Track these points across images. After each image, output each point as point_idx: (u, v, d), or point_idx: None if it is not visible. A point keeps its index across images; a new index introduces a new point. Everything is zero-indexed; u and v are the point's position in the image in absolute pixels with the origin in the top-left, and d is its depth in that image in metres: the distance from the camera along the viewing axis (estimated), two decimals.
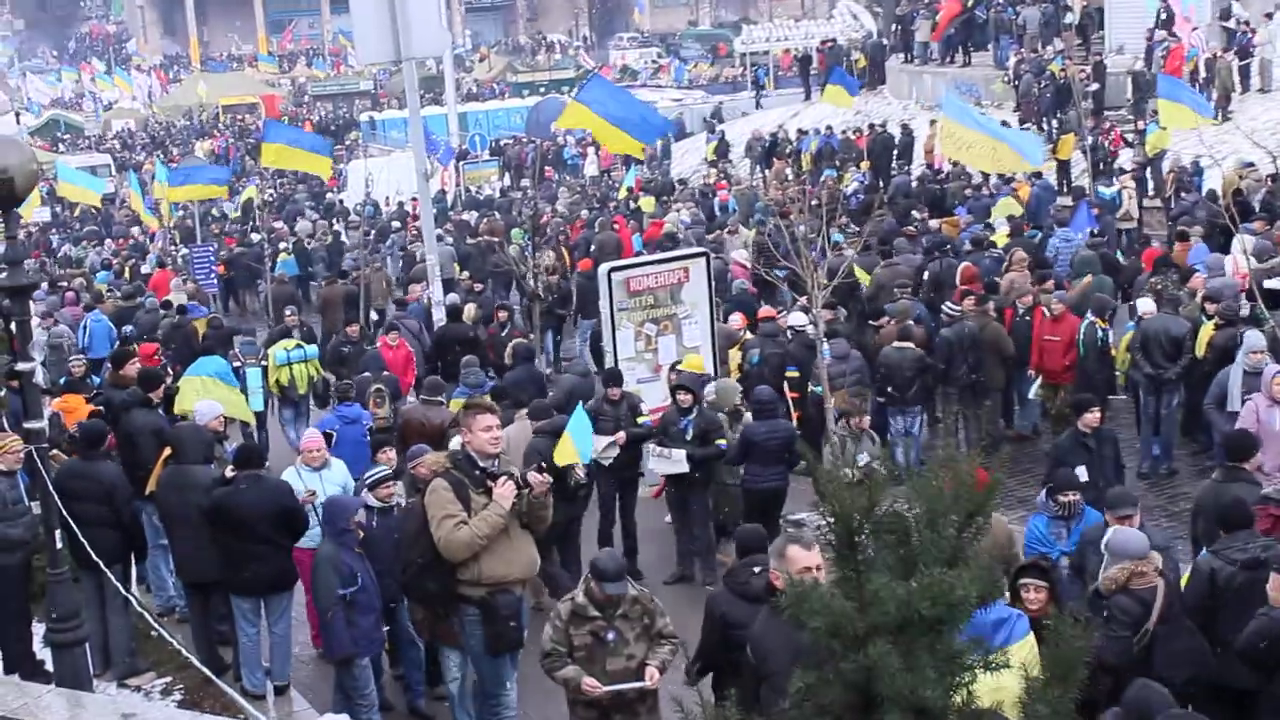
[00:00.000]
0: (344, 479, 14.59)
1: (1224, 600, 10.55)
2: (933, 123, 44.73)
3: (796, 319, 21.57)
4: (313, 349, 23.75)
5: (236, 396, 19.84)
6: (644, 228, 36.25)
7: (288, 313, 26.24)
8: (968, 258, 25.42)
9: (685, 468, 16.80)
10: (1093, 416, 15.45)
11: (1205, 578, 10.81)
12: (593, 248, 32.58)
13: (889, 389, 19.91)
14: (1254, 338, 17.05)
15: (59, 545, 12.30)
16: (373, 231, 39.03)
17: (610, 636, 9.95)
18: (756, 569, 10.29)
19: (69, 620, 12.38)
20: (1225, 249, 23.23)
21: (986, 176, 35.91)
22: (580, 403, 16.64)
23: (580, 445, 15.20)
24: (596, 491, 17.34)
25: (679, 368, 19.11)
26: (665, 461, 16.98)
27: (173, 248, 45.62)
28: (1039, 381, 20.74)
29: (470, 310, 24.99)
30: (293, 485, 13.94)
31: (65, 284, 35.72)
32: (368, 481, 13.32)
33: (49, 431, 13.87)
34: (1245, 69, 39.64)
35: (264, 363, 22.75)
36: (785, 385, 20.22)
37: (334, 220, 47.03)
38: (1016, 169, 30.41)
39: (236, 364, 22.00)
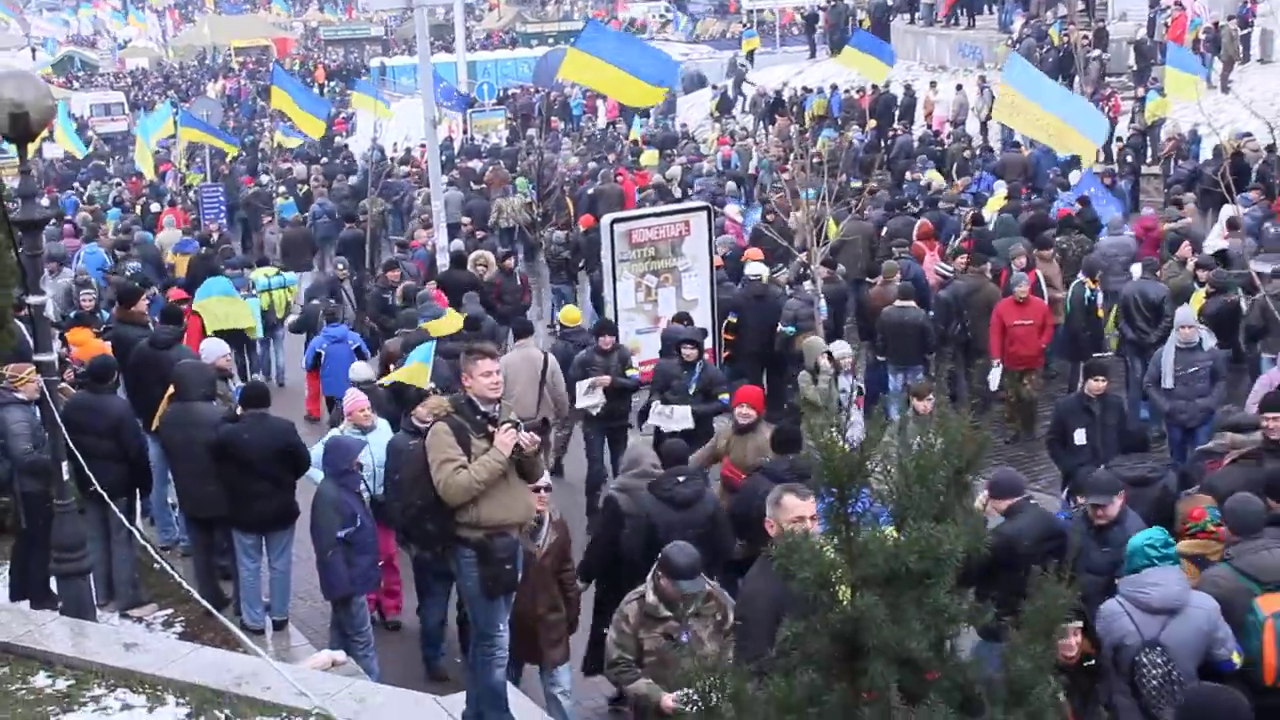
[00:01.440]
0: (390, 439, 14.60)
1: None
2: (932, 84, 44.74)
3: (752, 269, 21.74)
4: (291, 276, 25.92)
5: (246, 309, 22.01)
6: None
7: (339, 265, 26.41)
8: (926, 214, 25.65)
9: (690, 424, 16.52)
10: (1098, 384, 15.42)
11: None
12: (596, 200, 32.50)
13: (890, 347, 19.95)
14: (1184, 313, 16.92)
15: (65, 477, 12.36)
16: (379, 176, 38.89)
17: (684, 638, 9.61)
18: (681, 478, 11.94)
19: (73, 550, 12.42)
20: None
21: (986, 139, 35.93)
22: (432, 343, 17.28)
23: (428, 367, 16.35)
24: (585, 441, 17.40)
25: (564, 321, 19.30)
26: (668, 419, 16.69)
27: (182, 187, 45.56)
28: (999, 371, 19.57)
29: (476, 255, 24.96)
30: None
31: (69, 219, 35.80)
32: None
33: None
34: (1245, 39, 39.51)
35: (255, 293, 23.99)
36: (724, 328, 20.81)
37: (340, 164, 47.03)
38: (1077, 149, 29.50)
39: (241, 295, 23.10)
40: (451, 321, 19.47)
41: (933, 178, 31.82)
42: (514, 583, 10.38)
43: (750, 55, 61.86)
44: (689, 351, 17.10)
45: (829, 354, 17.16)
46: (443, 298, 20.96)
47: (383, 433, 14.60)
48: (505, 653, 10.49)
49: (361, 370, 17.26)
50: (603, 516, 12.17)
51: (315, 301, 23.24)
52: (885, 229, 24.88)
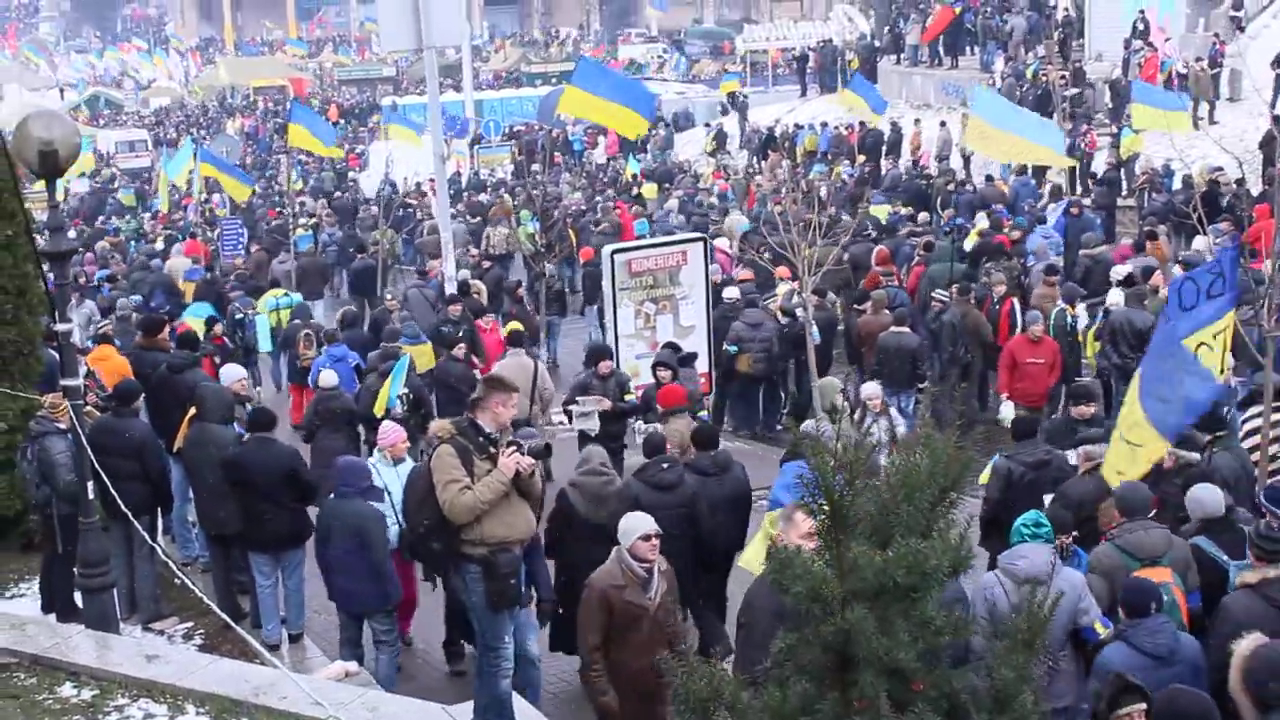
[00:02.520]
0: None
1: (1015, 493, 12.89)
2: (917, 121, 44.85)
3: (729, 291, 22.29)
4: (297, 297, 26.49)
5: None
6: (646, 212, 36.30)
7: (388, 296, 26.55)
8: (883, 241, 25.79)
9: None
10: (1086, 408, 15.30)
11: (1003, 475, 13.32)
12: (596, 231, 32.55)
13: (884, 370, 19.96)
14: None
15: (91, 496, 12.35)
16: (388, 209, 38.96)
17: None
18: (665, 465, 12.80)
19: (98, 566, 12.44)
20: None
21: (969, 174, 36.02)
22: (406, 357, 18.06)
23: (391, 390, 17.11)
24: None
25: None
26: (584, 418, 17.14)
27: (203, 220, 45.58)
28: (1011, 405, 19.04)
29: (477, 285, 25.06)
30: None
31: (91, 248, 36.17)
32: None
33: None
34: (1215, 78, 39.61)
35: (258, 313, 24.97)
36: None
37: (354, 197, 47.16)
38: (1049, 162, 30.11)
39: (240, 315, 24.99)
40: (425, 352, 19.95)
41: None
42: (518, 597, 10.37)
43: (731, 96, 61.97)
44: (663, 374, 17.26)
45: (844, 393, 17.18)
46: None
47: (408, 467, 14.22)
48: (510, 664, 10.47)
49: (328, 379, 17.98)
50: (555, 510, 12.40)
51: (297, 321, 23.60)
52: (847, 255, 24.90)
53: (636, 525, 9.86)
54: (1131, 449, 11.96)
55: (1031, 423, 14.88)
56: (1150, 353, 12.68)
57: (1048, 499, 12.39)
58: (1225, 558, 10.22)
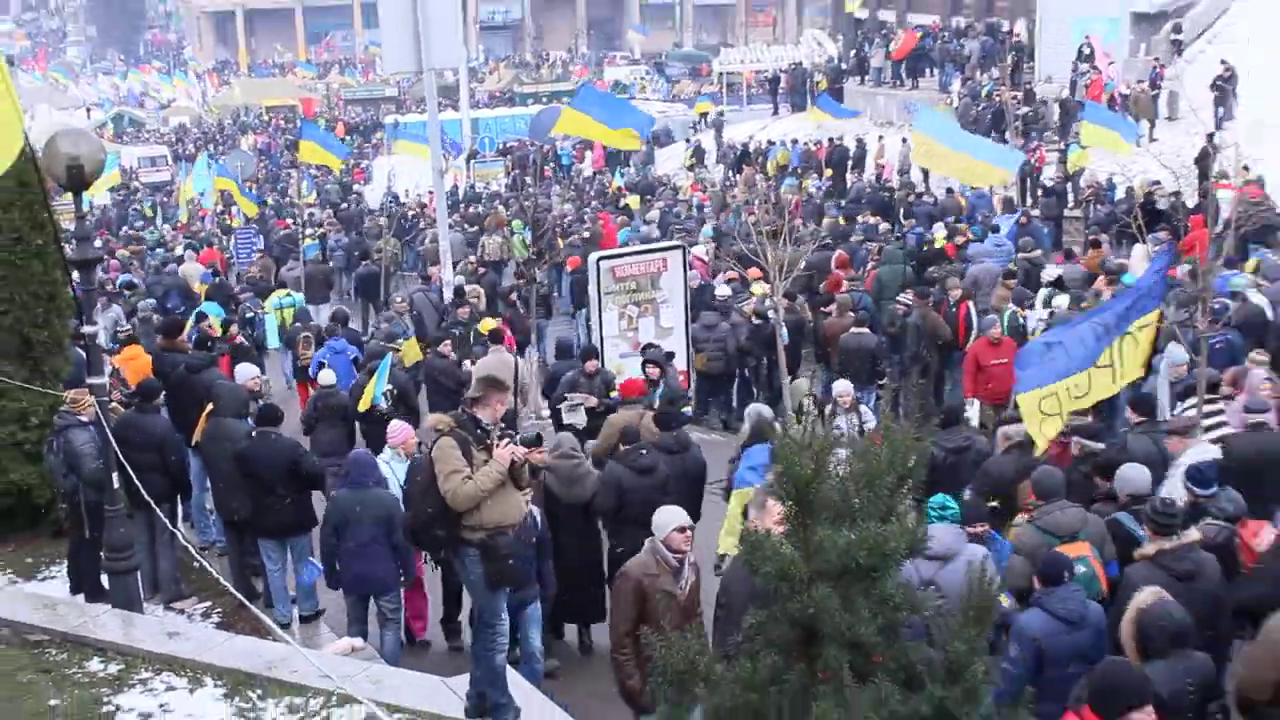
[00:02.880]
0: None
1: (938, 476, 11.97)
2: (880, 138, 44.91)
3: (721, 290, 23.15)
4: (299, 296, 27.14)
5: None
6: (632, 221, 36.27)
7: (397, 299, 26.20)
8: (841, 247, 25.89)
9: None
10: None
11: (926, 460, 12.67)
12: (584, 239, 32.54)
13: (847, 368, 20.02)
14: (1177, 353, 15.95)
15: (116, 486, 12.36)
16: (393, 220, 38.90)
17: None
18: (643, 450, 13.19)
19: (123, 551, 12.46)
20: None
21: (928, 186, 36.12)
22: (390, 354, 18.58)
23: (375, 386, 17.38)
24: None
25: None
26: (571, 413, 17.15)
27: (220, 230, 45.51)
28: (977, 406, 18.77)
29: (471, 289, 25.03)
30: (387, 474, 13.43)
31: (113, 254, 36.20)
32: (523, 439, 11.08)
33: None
34: (1155, 99, 39.73)
35: (266, 311, 25.38)
36: None
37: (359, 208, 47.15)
38: (991, 181, 30.18)
39: (250, 314, 25.29)
40: (413, 349, 19.96)
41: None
42: (515, 576, 10.37)
43: (703, 116, 62.00)
44: (652, 370, 17.39)
45: (813, 395, 17.24)
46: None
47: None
48: (505, 639, 10.47)
49: (326, 377, 18.19)
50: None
51: (298, 324, 23.82)
52: (804, 261, 25.00)
53: (671, 518, 9.82)
54: (1057, 414, 12.89)
55: (958, 411, 15.14)
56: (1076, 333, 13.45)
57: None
58: (1141, 532, 10.32)
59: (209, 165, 48.62)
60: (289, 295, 26.83)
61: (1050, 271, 21.86)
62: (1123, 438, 13.44)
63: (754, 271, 23.38)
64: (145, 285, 30.17)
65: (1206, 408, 14.05)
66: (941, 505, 10.47)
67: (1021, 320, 20.00)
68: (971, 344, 19.60)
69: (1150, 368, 16.81)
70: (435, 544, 10.35)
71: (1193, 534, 9.89)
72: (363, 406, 17.52)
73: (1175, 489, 11.17)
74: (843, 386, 16.28)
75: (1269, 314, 18.36)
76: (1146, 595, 8.72)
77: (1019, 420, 13.25)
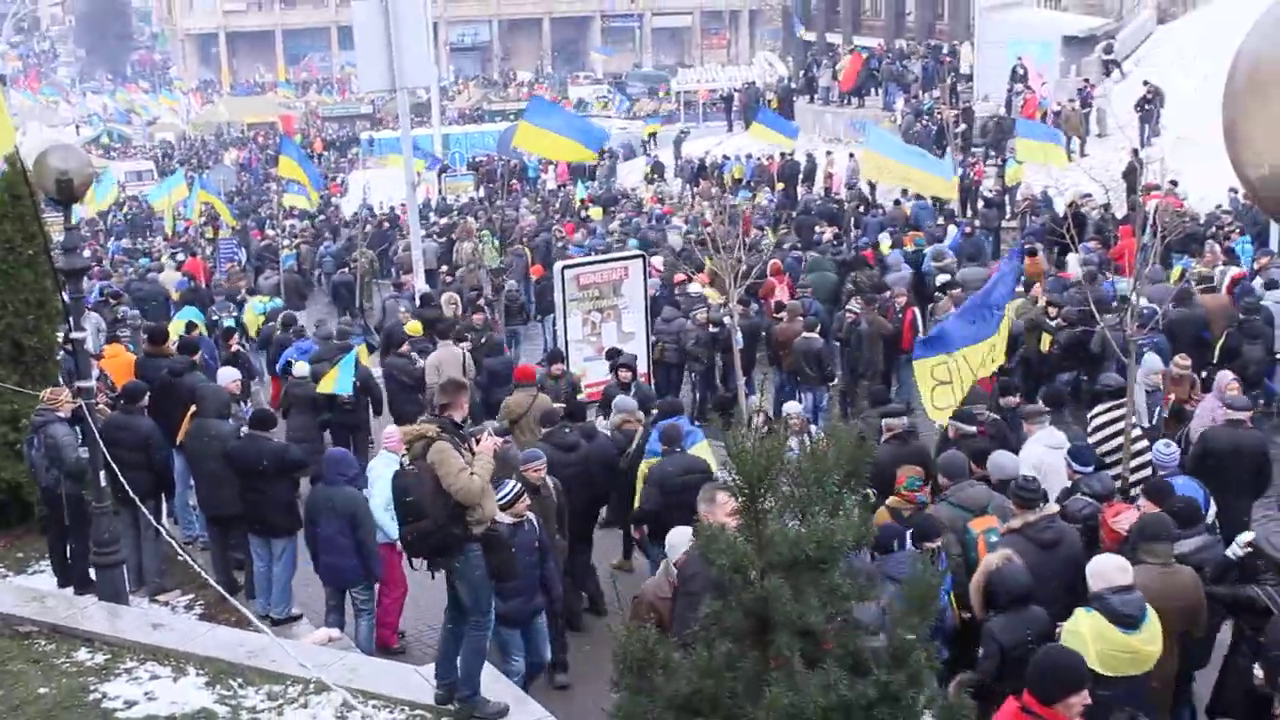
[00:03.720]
0: None
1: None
2: (829, 153, 45.02)
3: (692, 287, 23.56)
4: (278, 302, 26.96)
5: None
6: (594, 233, 36.22)
7: (402, 310, 26.06)
8: (775, 254, 26.24)
9: None
10: (1013, 398, 15.30)
11: None
12: (551, 250, 32.51)
13: (798, 370, 20.05)
14: (1153, 360, 15.83)
15: (103, 484, 12.29)
16: (366, 229, 38.80)
17: None
18: (567, 430, 14.03)
19: (109, 546, 12.42)
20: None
21: (874, 198, 36.28)
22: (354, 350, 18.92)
23: (342, 376, 17.82)
24: None
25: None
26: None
27: (203, 240, 45.27)
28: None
29: (446, 298, 24.95)
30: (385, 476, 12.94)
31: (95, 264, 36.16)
32: (499, 502, 10.68)
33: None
34: (1085, 116, 39.99)
35: (236, 314, 25.26)
36: None
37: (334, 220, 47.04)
38: (933, 190, 30.55)
39: (216, 317, 24.92)
40: (364, 352, 20.04)
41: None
42: (515, 566, 10.31)
43: (652, 136, 62.20)
44: (624, 374, 17.35)
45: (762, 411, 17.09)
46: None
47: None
48: (489, 630, 10.41)
49: (301, 369, 18.50)
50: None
51: (272, 324, 23.77)
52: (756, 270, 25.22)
53: (684, 539, 9.75)
54: (949, 385, 13.95)
55: (883, 394, 15.77)
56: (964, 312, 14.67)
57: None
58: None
59: (190, 181, 48.44)
60: (270, 300, 27.00)
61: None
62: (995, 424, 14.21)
63: (701, 277, 23.66)
64: (129, 294, 30.08)
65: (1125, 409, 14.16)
66: None
67: None
68: None
69: (1073, 352, 17.06)
70: (448, 546, 10.07)
71: (1052, 506, 10.69)
72: (324, 389, 18.00)
73: (1026, 468, 11.84)
74: (793, 408, 15.96)
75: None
76: (995, 558, 9.41)
77: (901, 414, 14.05)
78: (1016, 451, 12.74)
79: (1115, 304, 18.90)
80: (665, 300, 23.21)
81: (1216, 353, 18.22)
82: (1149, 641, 8.65)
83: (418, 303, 24.28)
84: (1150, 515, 10.07)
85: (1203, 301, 19.35)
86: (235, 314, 25.44)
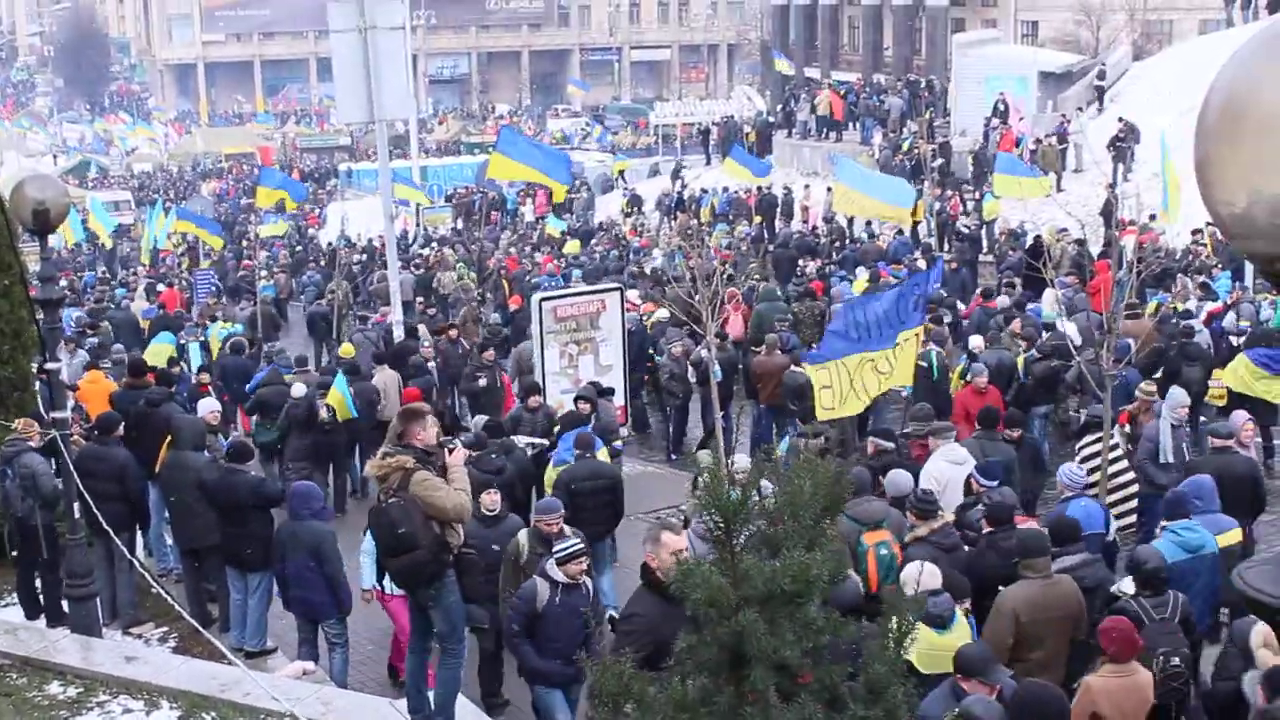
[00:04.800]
0: None
1: None
2: (806, 186, 45.18)
3: (661, 314, 24.25)
4: (239, 327, 27.94)
5: (170, 350, 24.41)
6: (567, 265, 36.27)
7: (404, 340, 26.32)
8: (732, 284, 26.49)
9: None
10: (1012, 432, 15.27)
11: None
12: (526, 281, 32.53)
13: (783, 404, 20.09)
14: (1178, 394, 15.60)
15: (77, 515, 12.22)
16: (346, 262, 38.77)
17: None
18: (493, 455, 14.22)
19: (83, 578, 12.35)
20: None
21: (852, 232, 36.42)
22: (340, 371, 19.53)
23: (346, 398, 18.50)
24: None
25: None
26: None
27: (181, 271, 45.19)
28: None
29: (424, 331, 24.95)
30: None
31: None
32: (556, 557, 10.39)
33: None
34: (1063, 152, 40.23)
35: (203, 338, 26.18)
36: None
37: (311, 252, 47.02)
38: (895, 218, 30.83)
39: (184, 342, 25.81)
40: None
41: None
42: (480, 587, 10.27)
43: (621, 174, 62.43)
44: (583, 406, 17.23)
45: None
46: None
47: None
48: (466, 653, 10.38)
49: (299, 390, 18.77)
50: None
51: (225, 350, 24.33)
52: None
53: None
54: (837, 392, 15.31)
55: (804, 393, 16.93)
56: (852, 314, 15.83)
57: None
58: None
59: (164, 210, 48.44)
60: (233, 325, 27.78)
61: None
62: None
63: (648, 305, 23.92)
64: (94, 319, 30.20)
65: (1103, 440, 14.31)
66: None
67: (942, 360, 20.00)
68: (959, 391, 18.65)
69: (1047, 384, 17.15)
70: (439, 572, 9.98)
71: (949, 515, 11.64)
72: (344, 415, 18.58)
73: (929, 484, 12.81)
74: (743, 462, 16.08)
75: (1076, 341, 18.89)
76: (913, 568, 10.07)
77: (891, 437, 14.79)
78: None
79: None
80: (637, 332, 23.07)
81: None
82: (959, 641, 9.16)
83: (401, 334, 24.24)
84: (1028, 532, 10.79)
85: (1125, 327, 19.57)
86: (202, 338, 26.08)
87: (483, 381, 20.68)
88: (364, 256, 41.57)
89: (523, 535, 11.48)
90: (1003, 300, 23.58)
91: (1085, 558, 10.80)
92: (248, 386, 21.02)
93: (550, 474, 14.75)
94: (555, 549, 10.39)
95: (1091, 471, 14.23)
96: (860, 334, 15.50)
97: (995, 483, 12.39)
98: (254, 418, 20.16)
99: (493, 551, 11.68)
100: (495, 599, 11.63)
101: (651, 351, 23.36)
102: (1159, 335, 19.52)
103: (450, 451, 10.01)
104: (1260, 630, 8.52)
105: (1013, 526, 11.11)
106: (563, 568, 10.26)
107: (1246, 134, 3.06)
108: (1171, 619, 9.58)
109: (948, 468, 13.44)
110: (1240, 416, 14.78)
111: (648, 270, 31.60)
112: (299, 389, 18.84)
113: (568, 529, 11.40)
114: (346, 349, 22.31)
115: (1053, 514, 12.34)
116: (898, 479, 12.57)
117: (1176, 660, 9.24)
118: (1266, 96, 3.04)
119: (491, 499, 12.14)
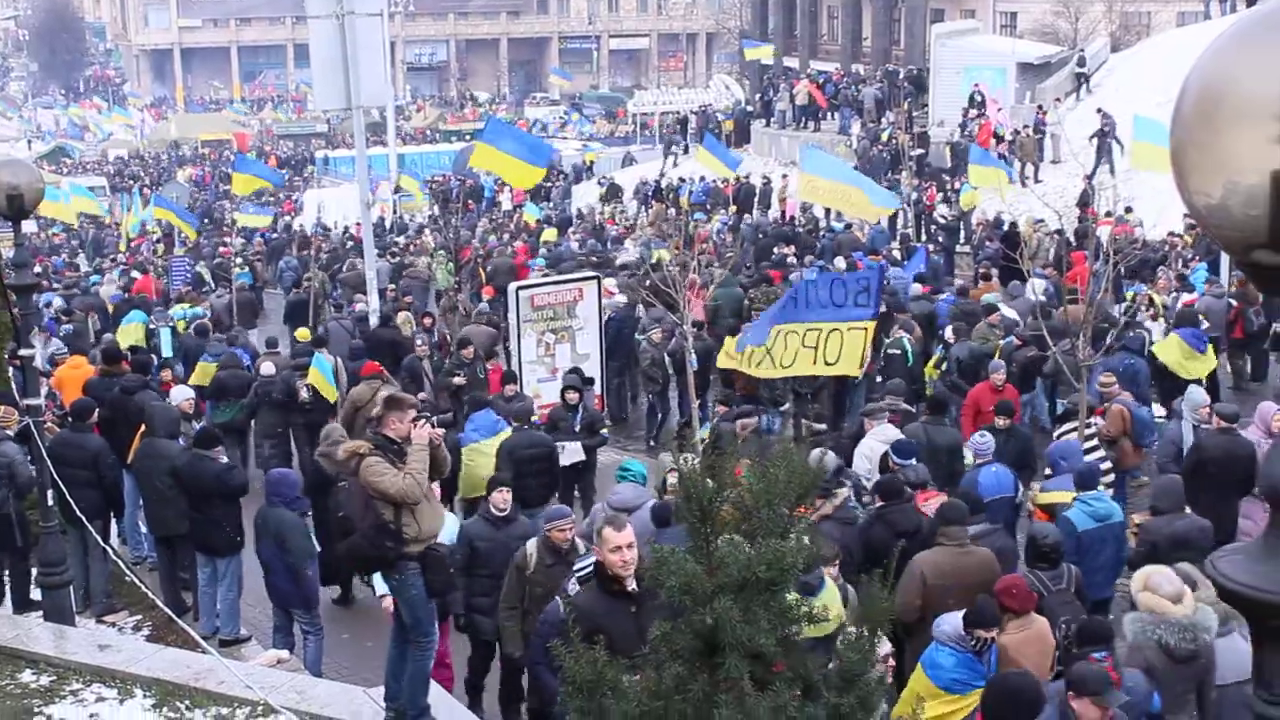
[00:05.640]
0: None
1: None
2: (784, 176, 45.20)
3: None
4: (199, 310, 28.10)
5: (141, 331, 25.54)
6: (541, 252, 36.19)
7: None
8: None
9: (582, 456, 16.79)
10: (1006, 421, 15.40)
11: None
12: (490, 269, 32.35)
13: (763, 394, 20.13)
14: (1198, 395, 15.61)
15: (50, 503, 12.19)
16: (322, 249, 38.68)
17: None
18: None
19: (56, 566, 12.30)
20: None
21: (828, 222, 36.45)
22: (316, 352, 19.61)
23: (327, 377, 18.63)
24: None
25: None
26: (563, 453, 16.50)
27: (155, 257, 44.98)
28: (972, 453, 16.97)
29: (402, 317, 24.87)
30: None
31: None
32: (578, 576, 9.85)
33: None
34: (1040, 143, 40.33)
35: (172, 323, 26.10)
36: None
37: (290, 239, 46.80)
38: (868, 214, 30.74)
39: (154, 325, 25.94)
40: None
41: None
42: (451, 583, 10.24)
43: (590, 165, 62.54)
44: (571, 395, 17.31)
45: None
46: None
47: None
48: (436, 646, 10.36)
49: (268, 369, 19.50)
50: (313, 474, 14.40)
51: (189, 333, 24.56)
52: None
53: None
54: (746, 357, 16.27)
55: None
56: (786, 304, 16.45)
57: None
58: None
59: (144, 200, 48.25)
60: (192, 307, 28.23)
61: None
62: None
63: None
64: (69, 305, 30.22)
65: (1087, 430, 14.40)
66: (623, 468, 13.14)
67: (913, 348, 20.03)
68: (975, 388, 18.02)
69: (1027, 374, 17.27)
70: (383, 558, 9.98)
71: (843, 493, 12.02)
72: (333, 398, 18.60)
73: (860, 464, 13.87)
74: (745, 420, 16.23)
75: (1014, 322, 19.95)
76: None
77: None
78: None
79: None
80: (616, 319, 22.93)
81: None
82: (827, 607, 9.18)
83: (375, 323, 24.15)
84: (946, 503, 11.38)
85: (1065, 312, 19.81)
86: (172, 323, 26.14)
87: (460, 379, 19.84)
88: (334, 247, 41.43)
89: (531, 545, 11.12)
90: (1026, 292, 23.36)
91: (986, 528, 11.46)
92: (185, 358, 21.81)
93: (467, 455, 15.32)
94: (576, 567, 10.21)
95: None
96: (789, 310, 16.28)
97: (910, 460, 13.04)
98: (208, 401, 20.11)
99: (502, 556, 11.57)
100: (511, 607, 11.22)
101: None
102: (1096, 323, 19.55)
103: (418, 424, 9.91)
104: (1140, 575, 9.35)
105: (905, 502, 11.89)
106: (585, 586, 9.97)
107: (1222, 124, 3.07)
108: (1067, 589, 10.35)
109: (880, 446, 14.03)
110: (1270, 408, 14.78)
111: (617, 263, 31.50)
112: (268, 368, 19.38)
113: (580, 544, 11.18)
114: (302, 333, 22.94)
115: (963, 481, 13.39)
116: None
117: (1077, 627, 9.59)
118: (1243, 86, 3.04)
119: (503, 497, 11.96)
